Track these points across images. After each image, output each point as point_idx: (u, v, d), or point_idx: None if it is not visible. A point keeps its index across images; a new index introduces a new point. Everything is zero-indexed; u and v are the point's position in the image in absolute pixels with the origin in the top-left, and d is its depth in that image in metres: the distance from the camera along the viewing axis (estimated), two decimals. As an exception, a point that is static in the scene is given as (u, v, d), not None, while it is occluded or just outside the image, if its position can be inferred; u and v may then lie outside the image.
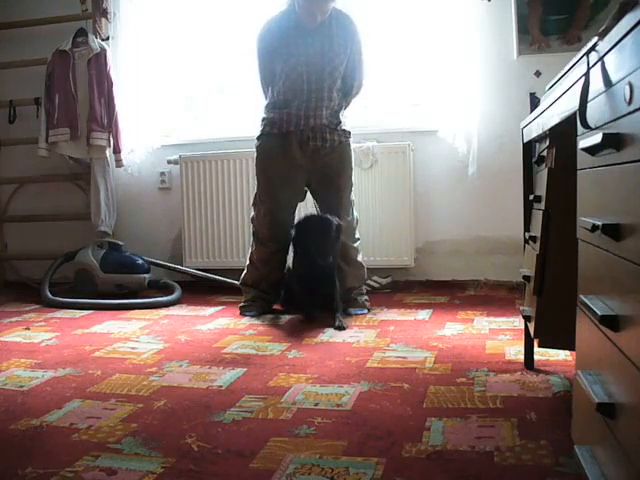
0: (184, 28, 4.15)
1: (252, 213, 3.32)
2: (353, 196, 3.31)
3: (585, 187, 1.23)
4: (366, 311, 3.26)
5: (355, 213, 3.33)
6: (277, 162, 3.17)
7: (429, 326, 2.93)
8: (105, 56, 3.94)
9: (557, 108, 1.49)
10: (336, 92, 3.13)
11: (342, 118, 3.21)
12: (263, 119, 3.21)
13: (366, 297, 3.36)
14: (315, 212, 3.26)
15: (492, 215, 3.70)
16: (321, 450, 1.60)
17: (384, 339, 2.71)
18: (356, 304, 3.25)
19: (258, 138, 3.24)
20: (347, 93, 3.21)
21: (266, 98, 3.21)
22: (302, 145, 3.13)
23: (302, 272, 3.10)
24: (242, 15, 4.00)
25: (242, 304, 3.36)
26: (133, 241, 4.14)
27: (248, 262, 3.37)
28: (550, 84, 1.78)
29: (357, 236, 3.30)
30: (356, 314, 3.13)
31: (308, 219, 3.08)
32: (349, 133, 3.25)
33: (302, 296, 3.12)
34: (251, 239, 3.35)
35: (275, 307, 3.39)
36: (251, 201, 3.33)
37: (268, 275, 3.31)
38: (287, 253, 3.31)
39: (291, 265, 3.26)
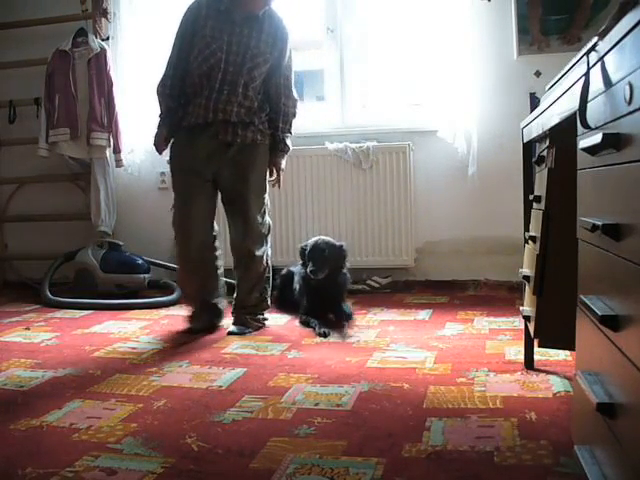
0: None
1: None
2: (267, 200, 2.99)
3: (585, 187, 1.23)
4: (249, 330, 2.91)
5: (267, 219, 3.00)
6: (186, 161, 2.88)
7: (429, 326, 2.93)
8: (105, 56, 3.94)
9: (557, 108, 1.49)
10: (253, 92, 2.84)
11: (258, 118, 2.88)
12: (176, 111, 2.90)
13: (262, 316, 3.03)
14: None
15: (492, 215, 3.70)
16: (321, 450, 1.60)
17: (384, 339, 2.71)
18: (241, 321, 2.95)
19: (173, 134, 2.94)
20: (277, 109, 2.94)
21: (168, 80, 2.86)
22: (210, 141, 2.83)
23: (310, 285, 3.06)
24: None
25: (189, 315, 3.01)
26: (133, 241, 4.14)
27: (180, 274, 3.10)
28: (550, 84, 1.78)
29: (268, 244, 3.02)
30: (233, 333, 2.87)
31: (315, 243, 3.04)
32: (266, 134, 2.92)
33: (312, 310, 3.03)
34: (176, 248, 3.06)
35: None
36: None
37: (207, 281, 2.99)
38: (215, 259, 2.98)
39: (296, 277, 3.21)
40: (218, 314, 3.02)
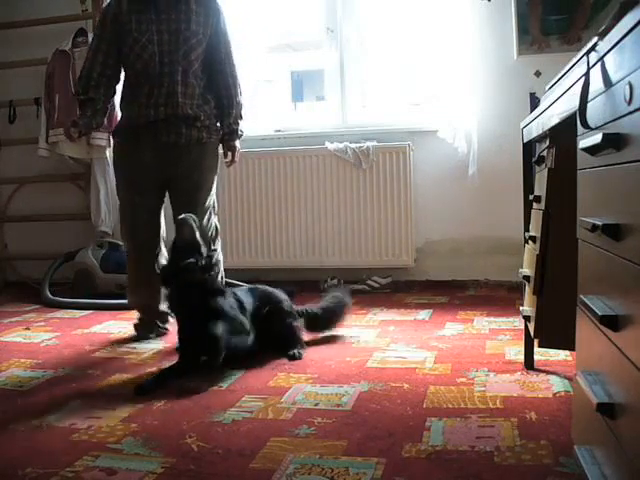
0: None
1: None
2: (213, 202, 2.87)
3: (585, 187, 1.23)
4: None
5: (214, 221, 2.88)
6: (129, 164, 2.76)
7: (429, 326, 2.93)
8: (105, 56, 3.94)
9: (557, 108, 1.49)
10: (193, 77, 2.68)
11: (203, 113, 2.73)
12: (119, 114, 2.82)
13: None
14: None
15: (492, 215, 3.70)
16: (321, 450, 1.60)
17: (384, 339, 2.71)
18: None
19: (113, 136, 2.89)
20: (227, 94, 2.79)
21: (82, 80, 2.73)
22: (153, 143, 2.69)
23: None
24: (240, 14, 3.99)
25: (135, 324, 2.96)
26: (133, 241, 4.13)
27: (130, 285, 2.98)
28: (550, 84, 1.78)
29: (214, 247, 2.78)
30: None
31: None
32: (213, 130, 2.79)
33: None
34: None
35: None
36: (250, 201, 3.27)
37: (152, 296, 2.86)
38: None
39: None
40: (164, 320, 2.95)
